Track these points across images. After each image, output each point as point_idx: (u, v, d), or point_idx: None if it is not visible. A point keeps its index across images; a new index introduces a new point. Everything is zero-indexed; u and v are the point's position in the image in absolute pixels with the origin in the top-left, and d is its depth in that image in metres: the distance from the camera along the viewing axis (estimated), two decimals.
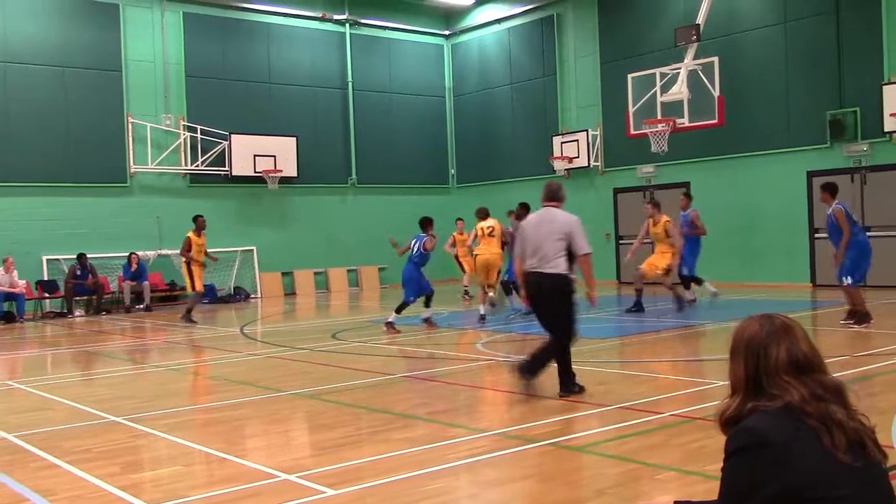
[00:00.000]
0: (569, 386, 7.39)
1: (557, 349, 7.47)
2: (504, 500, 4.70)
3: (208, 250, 16.01)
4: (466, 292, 18.36)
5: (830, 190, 11.23)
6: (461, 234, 18.18)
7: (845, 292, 11.41)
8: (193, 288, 15.80)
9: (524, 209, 13.31)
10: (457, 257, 18.61)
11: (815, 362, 2.39)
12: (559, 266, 7.41)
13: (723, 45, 18.52)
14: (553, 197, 7.75)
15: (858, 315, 11.16)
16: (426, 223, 13.38)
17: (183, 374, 9.74)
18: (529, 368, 7.47)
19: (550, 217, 7.61)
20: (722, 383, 7.04)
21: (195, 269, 15.59)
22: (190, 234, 15.68)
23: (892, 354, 8.92)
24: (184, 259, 15.75)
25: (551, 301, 7.50)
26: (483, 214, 14.80)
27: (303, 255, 22.97)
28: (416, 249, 13.14)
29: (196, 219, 15.88)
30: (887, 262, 16.88)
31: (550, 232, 7.45)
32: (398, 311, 12.95)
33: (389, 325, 12.70)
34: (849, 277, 11.05)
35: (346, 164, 24.28)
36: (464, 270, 18.50)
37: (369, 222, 24.11)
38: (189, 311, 15.69)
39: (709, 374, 8.40)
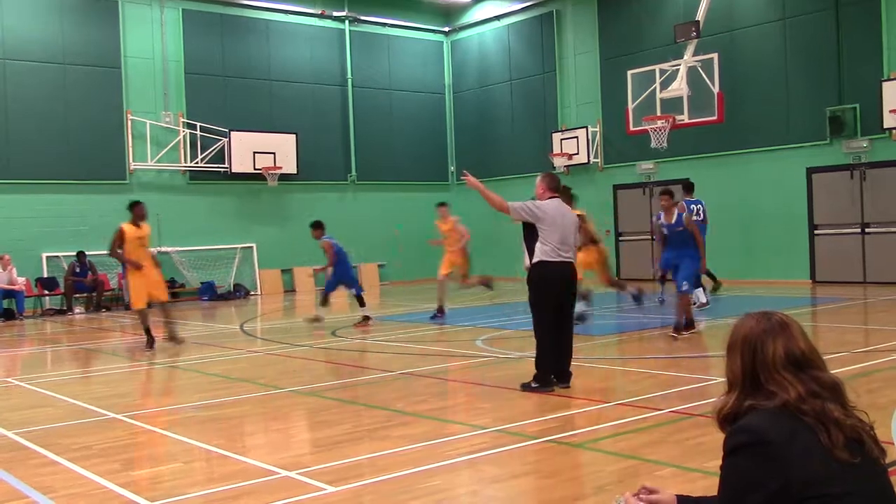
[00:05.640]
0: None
1: None
2: (503, 497, 4.71)
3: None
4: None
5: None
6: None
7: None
8: None
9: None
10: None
11: (812, 359, 2.39)
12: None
13: (722, 42, 18.52)
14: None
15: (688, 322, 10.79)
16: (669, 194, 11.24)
17: (182, 371, 9.74)
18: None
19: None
20: (720, 380, 7.04)
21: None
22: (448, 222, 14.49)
23: (892, 351, 8.92)
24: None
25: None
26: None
27: (302, 252, 22.90)
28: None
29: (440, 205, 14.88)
30: (887, 258, 16.90)
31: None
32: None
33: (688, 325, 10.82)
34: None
35: (346, 160, 24.27)
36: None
37: (369, 219, 24.11)
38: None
39: (707, 370, 8.40)
